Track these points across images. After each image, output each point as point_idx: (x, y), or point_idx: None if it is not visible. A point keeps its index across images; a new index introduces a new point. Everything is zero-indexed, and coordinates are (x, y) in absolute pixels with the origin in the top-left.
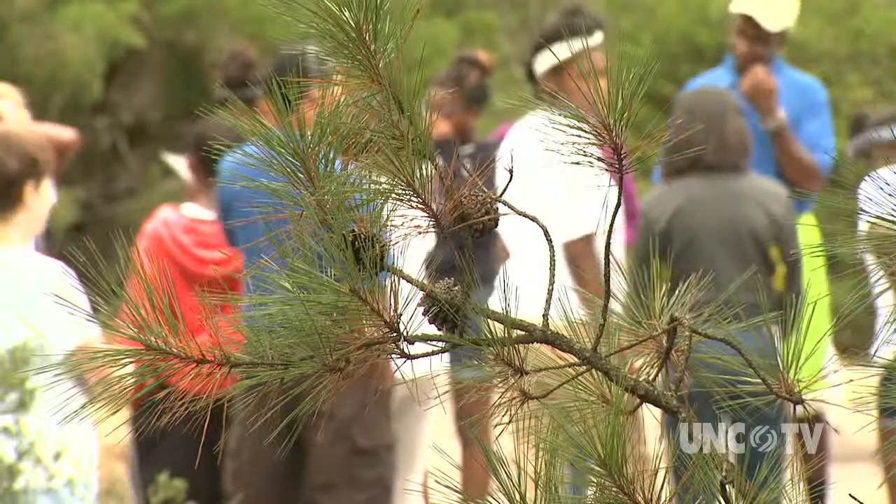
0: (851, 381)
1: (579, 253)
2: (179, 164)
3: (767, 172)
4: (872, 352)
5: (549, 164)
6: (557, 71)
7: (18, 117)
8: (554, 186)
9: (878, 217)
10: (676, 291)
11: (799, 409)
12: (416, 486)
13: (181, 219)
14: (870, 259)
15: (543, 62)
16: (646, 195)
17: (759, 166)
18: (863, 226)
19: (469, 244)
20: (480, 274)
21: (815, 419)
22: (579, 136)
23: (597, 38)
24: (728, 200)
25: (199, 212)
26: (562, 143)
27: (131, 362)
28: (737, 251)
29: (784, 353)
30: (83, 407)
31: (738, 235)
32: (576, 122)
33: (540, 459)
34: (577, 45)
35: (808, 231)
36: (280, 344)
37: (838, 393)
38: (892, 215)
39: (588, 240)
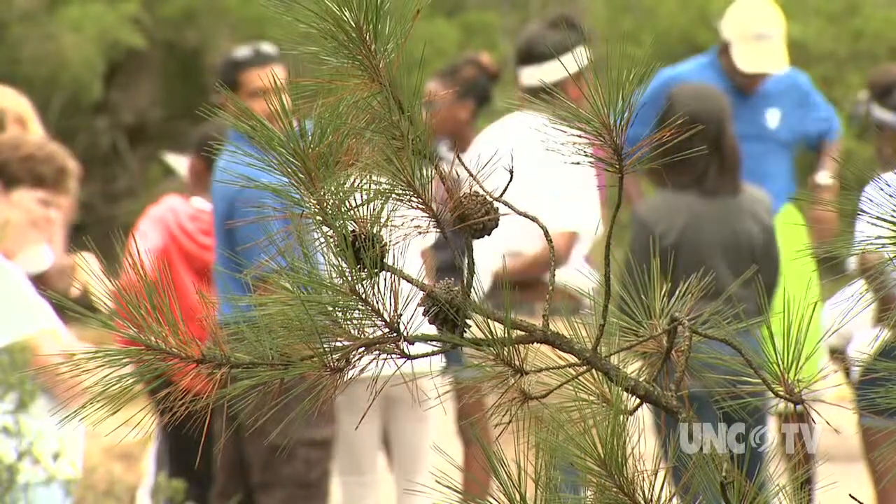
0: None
1: (563, 248)
2: (179, 163)
3: (784, 184)
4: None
5: (542, 163)
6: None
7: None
8: (546, 184)
9: (877, 217)
10: (677, 292)
11: (791, 407)
12: (419, 487)
13: (188, 207)
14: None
15: (531, 75)
16: (642, 203)
17: (775, 178)
18: (863, 226)
19: (470, 244)
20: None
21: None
22: (579, 136)
23: (582, 53)
24: (729, 218)
25: (206, 204)
26: (562, 143)
27: (131, 362)
28: (736, 266)
29: (784, 353)
30: (83, 406)
31: (739, 251)
32: (575, 121)
33: (540, 459)
34: (564, 62)
35: (791, 229)
36: (280, 344)
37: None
38: (893, 216)
39: (572, 237)
